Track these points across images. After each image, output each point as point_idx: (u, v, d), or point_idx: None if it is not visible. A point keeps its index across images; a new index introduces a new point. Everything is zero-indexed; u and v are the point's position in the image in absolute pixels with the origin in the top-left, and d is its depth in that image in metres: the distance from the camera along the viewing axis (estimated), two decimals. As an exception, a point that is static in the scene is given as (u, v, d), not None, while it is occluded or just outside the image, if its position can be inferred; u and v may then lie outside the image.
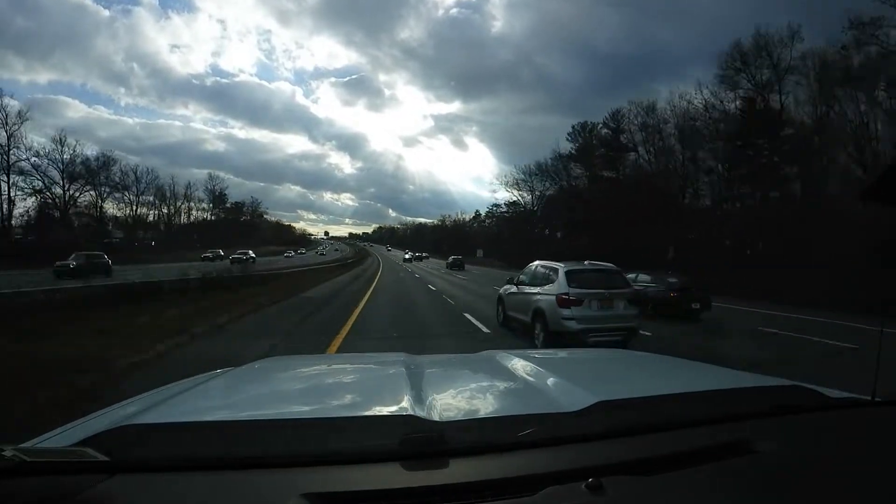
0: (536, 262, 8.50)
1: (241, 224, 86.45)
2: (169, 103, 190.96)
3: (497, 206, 74.88)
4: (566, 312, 6.71)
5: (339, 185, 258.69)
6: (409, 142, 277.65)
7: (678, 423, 0.97)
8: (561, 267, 7.33)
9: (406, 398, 1.05)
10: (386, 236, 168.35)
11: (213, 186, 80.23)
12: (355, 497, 0.73)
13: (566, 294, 6.78)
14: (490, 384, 1.34)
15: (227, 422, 1.01)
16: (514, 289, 8.65)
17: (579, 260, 7.84)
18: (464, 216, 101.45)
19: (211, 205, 79.72)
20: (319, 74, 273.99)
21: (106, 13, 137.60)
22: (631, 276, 11.28)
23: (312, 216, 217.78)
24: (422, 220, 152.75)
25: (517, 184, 57.99)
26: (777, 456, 0.86)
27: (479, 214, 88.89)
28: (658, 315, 10.73)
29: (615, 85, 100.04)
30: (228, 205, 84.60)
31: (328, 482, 0.75)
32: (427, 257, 79.90)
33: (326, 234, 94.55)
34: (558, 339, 6.74)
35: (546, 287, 7.33)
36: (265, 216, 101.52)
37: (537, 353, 1.89)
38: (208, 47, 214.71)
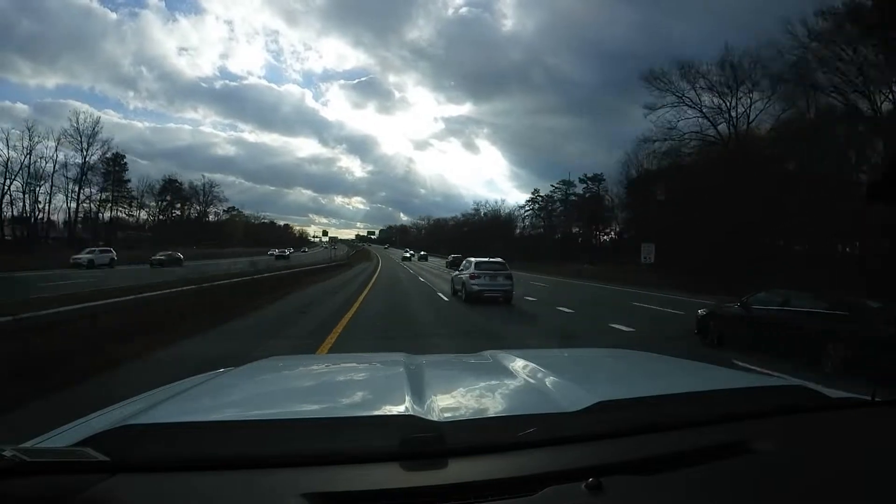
0: (467, 259, 16.05)
1: (173, 219, 66.69)
2: (178, 107, 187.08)
3: (568, 183, 57.74)
4: (473, 282, 13.84)
5: (349, 189, 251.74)
6: (420, 145, 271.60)
7: (678, 423, 0.97)
8: (474, 260, 14.81)
9: (406, 398, 1.05)
10: (396, 236, 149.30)
11: (85, 141, 48.41)
12: (355, 497, 0.73)
13: (474, 273, 14.02)
14: (490, 384, 1.34)
15: (227, 422, 1.01)
16: (456, 272, 16.30)
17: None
18: (501, 202, 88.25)
19: (83, 173, 49.09)
20: (328, 77, 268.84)
21: (113, 16, 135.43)
22: (760, 296, 7.22)
23: (324, 220, 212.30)
24: (440, 216, 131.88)
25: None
26: (777, 456, 0.86)
27: (537, 194, 69.42)
28: (857, 369, 5.29)
29: (629, 85, 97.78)
30: (129, 182, 57.43)
31: (328, 482, 0.75)
32: (426, 256, 74.98)
33: (325, 232, 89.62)
34: (471, 296, 13.64)
35: (467, 270, 14.52)
36: (231, 210, 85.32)
37: (537, 353, 1.89)
38: (216, 50, 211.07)
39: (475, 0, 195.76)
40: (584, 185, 58.60)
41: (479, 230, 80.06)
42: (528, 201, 73.53)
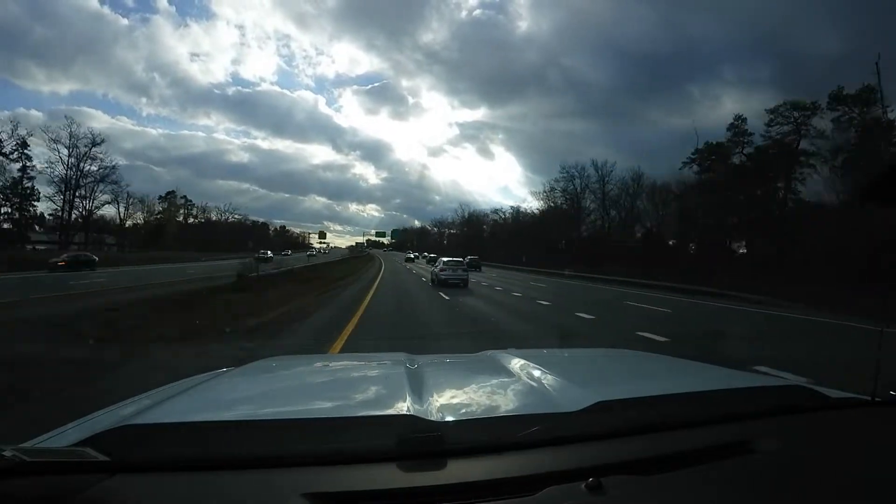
0: (439, 258, 25.15)
1: None
2: (191, 113, 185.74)
3: (803, 108, 31.19)
4: (442, 273, 20.87)
5: (364, 196, 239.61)
6: (435, 151, 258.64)
7: (678, 423, 0.97)
8: (443, 259, 22.87)
9: (406, 398, 1.05)
10: (414, 240, 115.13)
11: None
12: (355, 497, 0.74)
13: (442, 267, 21.41)
14: (490, 384, 1.34)
15: (227, 422, 1.01)
16: (434, 266, 23.09)
17: None
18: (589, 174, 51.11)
19: None
20: (341, 82, 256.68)
21: (124, 22, 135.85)
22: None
23: (339, 227, 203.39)
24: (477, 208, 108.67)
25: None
26: (777, 456, 0.86)
27: (740, 126, 36.01)
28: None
29: (647, 87, 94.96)
30: None
31: (328, 482, 0.75)
32: (436, 259, 64.90)
33: (323, 234, 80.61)
34: (441, 282, 20.12)
35: (439, 264, 22.32)
36: (170, 196, 67.77)
37: (537, 353, 1.89)
38: (228, 55, 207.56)
39: (489, 1, 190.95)
40: (840, 112, 29.84)
41: (541, 225, 53.88)
42: (693, 157, 39.71)
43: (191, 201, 79.24)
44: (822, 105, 32.33)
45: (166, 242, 54.31)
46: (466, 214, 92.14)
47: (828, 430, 1.02)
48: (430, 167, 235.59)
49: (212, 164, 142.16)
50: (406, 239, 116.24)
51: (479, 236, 76.60)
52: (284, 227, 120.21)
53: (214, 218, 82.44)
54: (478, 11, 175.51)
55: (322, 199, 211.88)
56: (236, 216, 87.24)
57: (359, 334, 8.02)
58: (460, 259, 23.38)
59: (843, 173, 28.14)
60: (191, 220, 78.87)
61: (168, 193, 72.76)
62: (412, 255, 72.65)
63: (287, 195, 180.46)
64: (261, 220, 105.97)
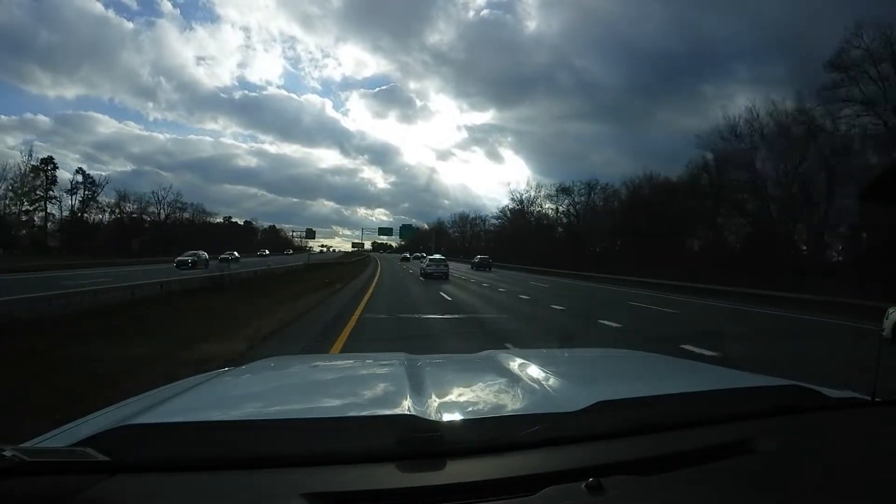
0: (427, 256, 37.36)
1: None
2: (198, 118, 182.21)
3: None
4: (428, 267, 28.32)
5: (372, 200, 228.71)
6: (443, 154, 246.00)
7: (678, 423, 0.97)
8: (428, 257, 33.98)
9: (406, 398, 1.05)
10: (430, 240, 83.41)
11: None
12: (355, 497, 0.74)
13: (428, 263, 29.31)
14: (490, 384, 1.34)
15: (227, 422, 1.01)
16: (422, 262, 33.78)
17: None
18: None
19: None
20: (348, 85, 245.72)
21: (130, 25, 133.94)
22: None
23: (347, 232, 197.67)
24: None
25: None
26: (777, 456, 0.86)
27: None
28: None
29: (658, 87, 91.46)
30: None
31: (328, 482, 0.75)
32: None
33: (311, 232, 72.98)
34: (427, 275, 26.92)
35: (424, 262, 31.81)
36: (45, 168, 48.29)
37: (537, 353, 1.89)
38: (234, 58, 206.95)
39: (497, 1, 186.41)
40: None
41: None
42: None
43: (91, 179, 53.32)
44: None
45: (20, 241, 36.43)
46: (508, 211, 68.39)
47: (828, 430, 1.02)
48: (438, 171, 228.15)
49: (219, 168, 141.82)
50: (419, 239, 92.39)
51: (521, 234, 59.16)
52: (274, 226, 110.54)
53: (157, 211, 60.87)
54: (485, 11, 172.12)
55: (330, 204, 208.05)
56: (181, 207, 64.81)
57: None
58: (443, 258, 30.81)
59: None
60: (106, 214, 58.46)
61: (44, 161, 47.17)
62: (409, 256, 72.09)
63: (295, 200, 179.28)
64: (241, 220, 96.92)
